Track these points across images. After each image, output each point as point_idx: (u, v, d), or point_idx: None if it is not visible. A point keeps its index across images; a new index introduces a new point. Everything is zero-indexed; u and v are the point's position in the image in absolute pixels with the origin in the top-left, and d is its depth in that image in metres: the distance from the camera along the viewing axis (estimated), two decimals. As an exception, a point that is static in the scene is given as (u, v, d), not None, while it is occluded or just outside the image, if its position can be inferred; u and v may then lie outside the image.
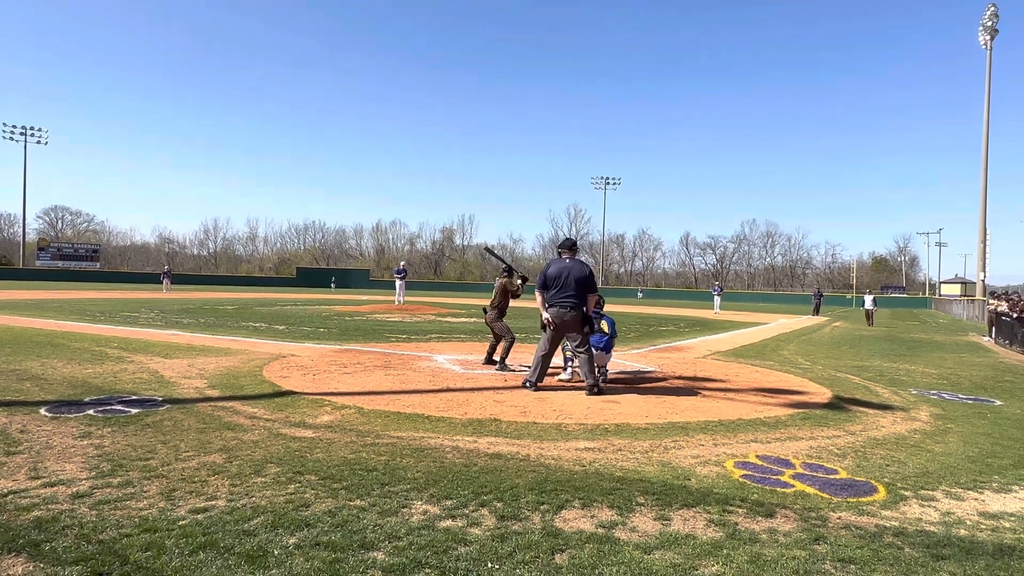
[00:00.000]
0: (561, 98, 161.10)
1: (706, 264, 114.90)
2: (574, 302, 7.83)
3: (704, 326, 23.61)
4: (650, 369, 10.53)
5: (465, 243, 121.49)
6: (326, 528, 3.32)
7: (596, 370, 8.05)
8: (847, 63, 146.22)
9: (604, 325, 8.72)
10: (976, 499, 4.32)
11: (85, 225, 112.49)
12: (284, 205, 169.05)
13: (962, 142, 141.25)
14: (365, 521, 3.44)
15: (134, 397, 6.63)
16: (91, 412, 5.86)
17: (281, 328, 16.11)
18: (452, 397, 7.28)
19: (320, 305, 29.47)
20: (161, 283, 44.62)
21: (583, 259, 8.32)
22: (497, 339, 9.96)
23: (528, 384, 7.91)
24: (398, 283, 28.34)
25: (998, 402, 8.62)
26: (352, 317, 21.27)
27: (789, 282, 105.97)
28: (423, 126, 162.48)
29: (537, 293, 8.14)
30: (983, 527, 3.78)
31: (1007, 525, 3.84)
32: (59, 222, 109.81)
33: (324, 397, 6.96)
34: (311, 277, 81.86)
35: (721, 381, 9.42)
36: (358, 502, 3.74)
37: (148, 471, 4.20)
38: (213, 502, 3.66)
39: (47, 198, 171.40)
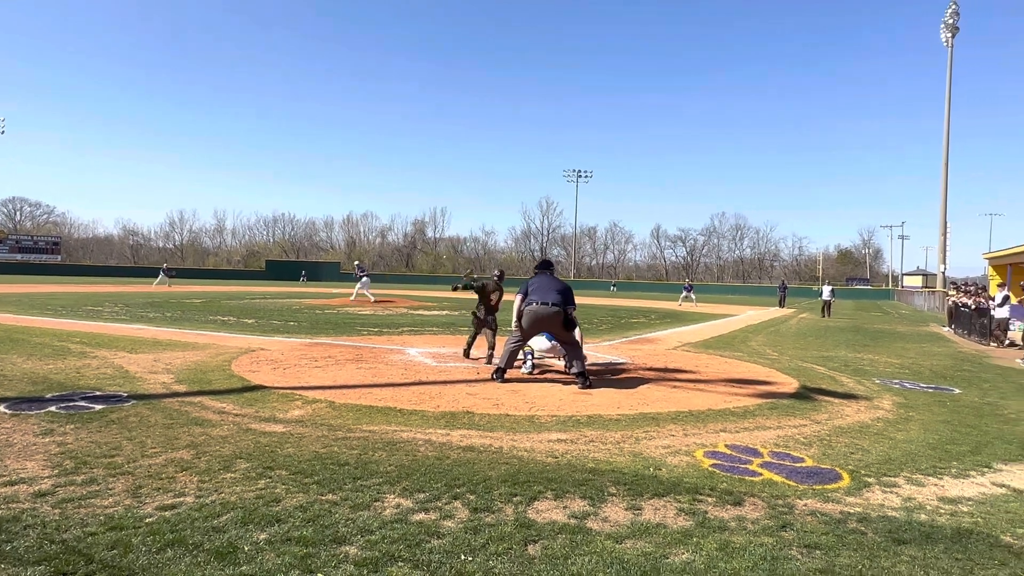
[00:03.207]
0: (533, 91, 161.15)
1: (676, 256, 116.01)
2: (555, 299, 8.10)
3: (674, 318, 23.87)
4: (622, 361, 10.62)
5: (437, 236, 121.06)
6: (297, 523, 3.30)
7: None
8: (813, 60, 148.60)
9: None
10: (936, 485, 4.45)
11: (45, 217, 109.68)
12: (252, 197, 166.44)
13: (924, 137, 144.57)
14: (337, 515, 3.42)
15: (98, 393, 6.49)
16: (53, 409, 5.72)
17: (250, 322, 15.89)
18: (425, 390, 7.26)
19: (290, 298, 29.12)
20: (157, 277, 43.92)
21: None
22: (490, 334, 9.93)
23: (496, 374, 7.98)
24: (362, 282, 26.80)
25: (957, 390, 8.88)
26: (323, 310, 21.06)
27: (758, 274, 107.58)
28: (395, 118, 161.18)
29: (516, 298, 8.39)
30: (942, 512, 3.90)
31: (965, 509, 3.96)
32: (17, 214, 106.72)
33: (295, 391, 6.89)
34: (281, 270, 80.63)
35: (691, 372, 9.55)
36: (330, 496, 3.72)
37: (113, 468, 4.12)
38: (181, 499, 3.60)
39: (4, 189, 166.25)
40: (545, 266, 8.76)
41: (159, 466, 4.20)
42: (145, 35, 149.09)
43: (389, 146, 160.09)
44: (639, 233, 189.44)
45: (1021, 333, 16.40)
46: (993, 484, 4.54)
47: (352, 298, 26.75)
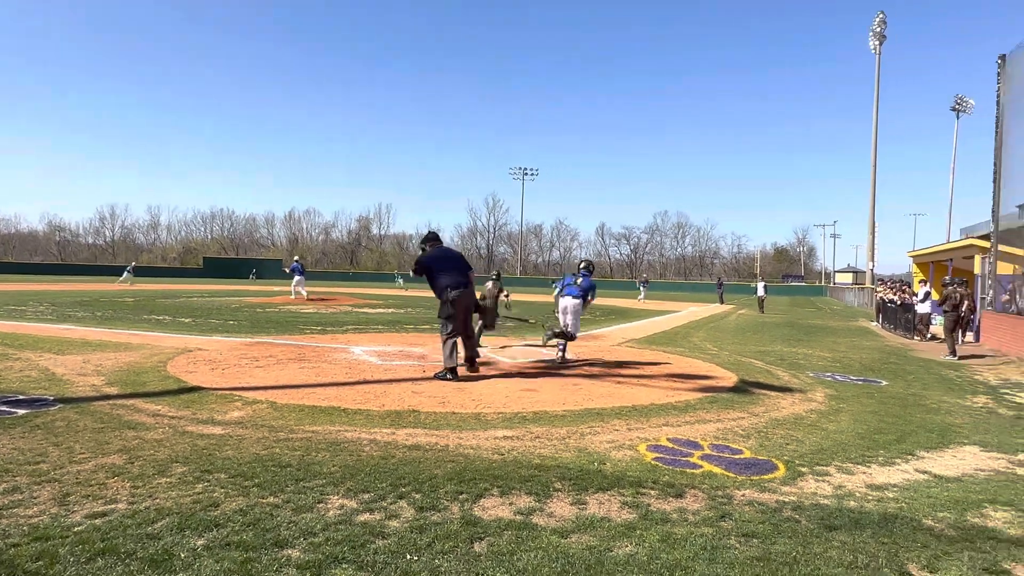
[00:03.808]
0: (479, 88, 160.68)
1: (621, 254, 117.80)
2: (466, 280, 8.31)
3: (620, 315, 24.25)
4: (567, 357, 10.71)
5: (382, 232, 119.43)
6: (237, 527, 3.21)
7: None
8: (752, 66, 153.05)
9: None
10: (864, 473, 4.67)
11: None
12: (189, 192, 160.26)
13: (854, 140, 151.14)
14: (279, 518, 3.35)
15: (21, 397, 6.16)
16: (-29, 414, 5.40)
17: (187, 321, 15.36)
18: (369, 389, 7.17)
19: (229, 297, 28.28)
20: (121, 276, 42.21)
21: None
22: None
23: (451, 374, 7.89)
24: (298, 279, 26.63)
25: (883, 382, 9.33)
26: (264, 309, 20.53)
27: (699, 272, 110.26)
28: (338, 113, 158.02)
29: (414, 274, 8.43)
30: (870, 498, 4.10)
31: (891, 495, 4.17)
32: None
33: (234, 392, 6.70)
34: (220, 267, 78.07)
35: (635, 368, 9.72)
36: (271, 499, 3.63)
37: (38, 476, 3.92)
38: (112, 506, 3.46)
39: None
40: (437, 237, 8.66)
41: (88, 472, 4.02)
42: (71, 24, 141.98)
43: (332, 142, 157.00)
44: (584, 231, 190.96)
45: (942, 327, 17.33)
46: (916, 471, 4.79)
47: (293, 296, 26.34)
